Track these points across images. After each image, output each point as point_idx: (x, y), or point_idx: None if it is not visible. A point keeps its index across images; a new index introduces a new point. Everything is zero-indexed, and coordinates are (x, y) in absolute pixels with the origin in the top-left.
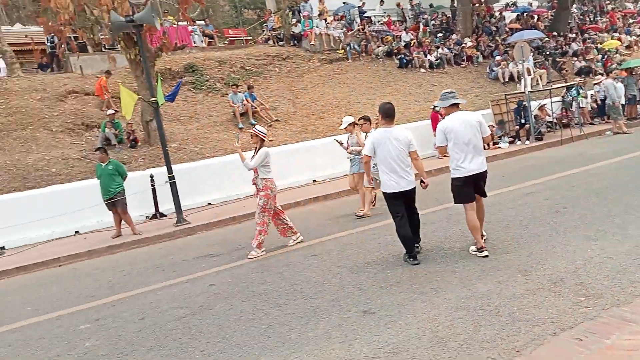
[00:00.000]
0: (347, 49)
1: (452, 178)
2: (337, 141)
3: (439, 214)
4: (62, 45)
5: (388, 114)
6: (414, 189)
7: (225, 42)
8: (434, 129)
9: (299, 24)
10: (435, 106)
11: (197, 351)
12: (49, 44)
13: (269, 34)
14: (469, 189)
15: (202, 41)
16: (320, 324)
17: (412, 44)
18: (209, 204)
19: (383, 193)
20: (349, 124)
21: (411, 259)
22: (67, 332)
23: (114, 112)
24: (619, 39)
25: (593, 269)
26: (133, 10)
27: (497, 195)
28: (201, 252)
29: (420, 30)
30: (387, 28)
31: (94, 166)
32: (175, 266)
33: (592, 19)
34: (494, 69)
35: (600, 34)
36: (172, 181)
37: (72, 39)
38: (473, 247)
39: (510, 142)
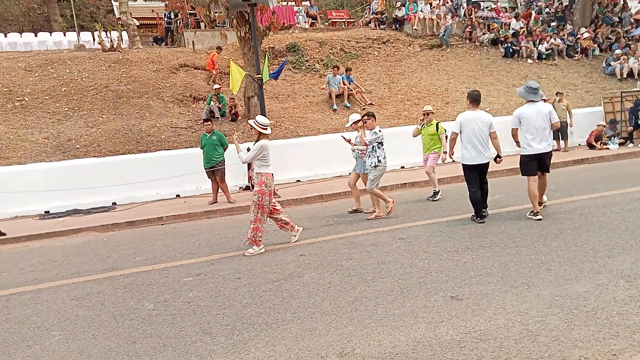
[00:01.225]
0: (442, 34)
1: (521, 155)
2: (344, 138)
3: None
4: (179, 21)
5: (475, 99)
6: (487, 164)
7: (327, 23)
8: None
9: (402, 8)
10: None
11: (288, 313)
12: (166, 19)
13: (371, 17)
14: (533, 164)
15: (305, 22)
16: (406, 303)
17: (521, 33)
18: (298, 180)
19: (462, 165)
20: (354, 122)
21: (478, 218)
22: (173, 282)
23: (219, 86)
24: None
25: None
26: None
27: (601, 198)
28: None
29: (532, 18)
30: (495, 15)
31: (197, 136)
32: (267, 235)
33: None
34: (612, 63)
35: None
36: None
37: (190, 15)
38: (530, 213)
39: (620, 144)
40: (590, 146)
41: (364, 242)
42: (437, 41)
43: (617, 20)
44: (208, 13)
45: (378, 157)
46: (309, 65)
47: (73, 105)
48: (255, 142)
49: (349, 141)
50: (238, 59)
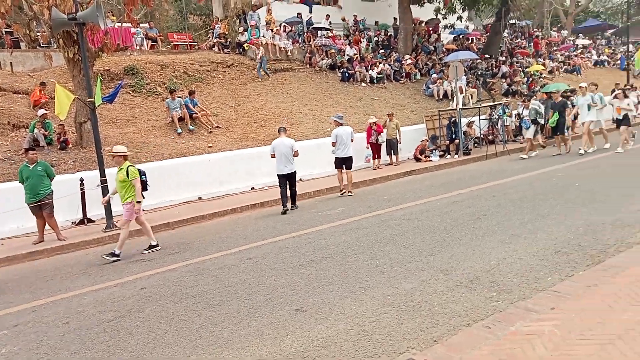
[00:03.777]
0: (258, 67)
1: (335, 157)
2: None
3: (370, 220)
4: None
5: (280, 131)
6: (294, 173)
7: (169, 46)
8: (368, 141)
9: (245, 33)
10: (372, 122)
11: (125, 352)
12: None
13: (215, 41)
14: (340, 163)
15: (145, 44)
16: (252, 323)
17: (355, 59)
18: (142, 210)
19: (277, 174)
20: None
21: (283, 209)
22: None
23: (45, 112)
24: (543, 64)
25: (505, 268)
26: (76, 8)
27: (426, 204)
28: (132, 257)
29: (363, 45)
30: (332, 42)
31: (17, 168)
32: (103, 271)
33: (521, 45)
34: (430, 86)
35: (527, 59)
36: (104, 185)
37: (6, 34)
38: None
39: (440, 156)
40: (417, 159)
41: (211, 266)
42: (280, 65)
43: (433, 49)
44: (28, 32)
45: None
46: (150, 89)
47: None
48: None
49: None
50: (67, 82)
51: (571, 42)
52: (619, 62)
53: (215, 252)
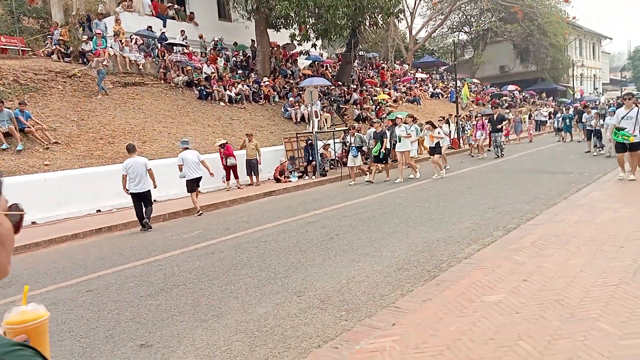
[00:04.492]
0: (98, 80)
1: (187, 180)
2: None
3: (227, 243)
4: None
5: (130, 150)
6: (148, 192)
7: None
8: (222, 162)
9: (90, 42)
10: (218, 145)
11: None
12: None
13: (54, 48)
14: (192, 185)
15: None
16: None
17: (212, 77)
18: None
19: (130, 193)
20: None
21: (142, 227)
22: None
23: None
24: (389, 94)
25: (354, 287)
26: None
27: (283, 225)
28: None
29: (222, 64)
30: (187, 59)
31: None
32: None
33: (369, 75)
34: (288, 109)
35: (375, 88)
36: None
37: None
38: (196, 213)
39: (299, 177)
40: (277, 180)
41: (42, 302)
42: (132, 79)
43: (290, 73)
44: None
45: None
46: None
47: None
48: None
49: None
50: None
51: (411, 75)
52: (450, 95)
53: (49, 285)
